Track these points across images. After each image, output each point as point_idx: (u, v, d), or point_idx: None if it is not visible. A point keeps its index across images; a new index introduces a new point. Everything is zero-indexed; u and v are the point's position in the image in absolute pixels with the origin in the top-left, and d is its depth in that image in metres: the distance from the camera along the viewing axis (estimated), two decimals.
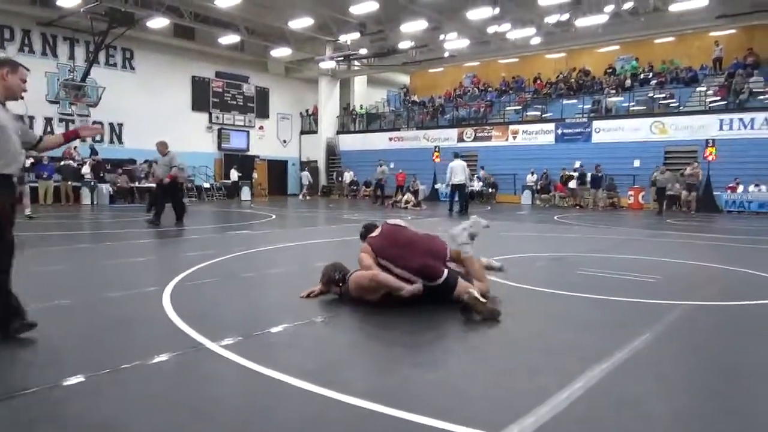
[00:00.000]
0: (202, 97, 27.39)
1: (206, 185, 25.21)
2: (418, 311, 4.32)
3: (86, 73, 21.80)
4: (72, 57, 22.70)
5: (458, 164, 16.25)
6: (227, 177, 26.45)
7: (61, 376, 2.79)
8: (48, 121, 22.07)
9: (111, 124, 23.70)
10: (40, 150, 3.91)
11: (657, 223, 13.98)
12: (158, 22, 22.27)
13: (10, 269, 3.40)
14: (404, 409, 2.40)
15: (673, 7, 20.26)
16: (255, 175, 28.00)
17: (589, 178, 21.05)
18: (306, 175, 28.47)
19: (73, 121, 22.56)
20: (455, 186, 16.22)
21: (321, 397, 2.55)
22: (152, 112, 24.40)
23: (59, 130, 22.31)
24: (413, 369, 3.02)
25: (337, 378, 2.79)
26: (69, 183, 19.13)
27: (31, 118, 21.61)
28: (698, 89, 22.78)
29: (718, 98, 21.68)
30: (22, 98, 3.61)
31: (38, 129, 21.61)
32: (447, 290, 4.20)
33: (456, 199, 16.55)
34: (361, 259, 4.39)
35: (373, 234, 4.54)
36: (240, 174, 26.10)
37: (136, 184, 21.15)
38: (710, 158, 18.39)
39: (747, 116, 20.22)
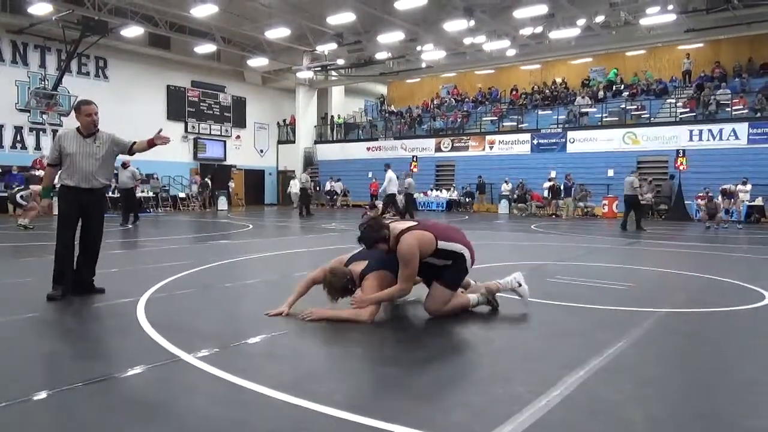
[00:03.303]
0: (177, 107, 27.10)
1: (182, 195, 24.90)
2: (396, 321, 4.32)
3: (58, 82, 21.41)
4: (43, 65, 22.28)
5: (394, 175, 17.44)
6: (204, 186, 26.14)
7: (31, 390, 2.71)
8: (18, 129, 21.61)
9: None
10: (134, 152, 5.24)
11: (630, 232, 14.21)
12: (133, 31, 22.00)
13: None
14: (382, 419, 2.39)
15: (644, 21, 20.79)
16: (232, 184, 27.74)
17: (563, 188, 21.40)
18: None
19: (44, 130, 22.11)
20: (391, 195, 17.24)
21: (299, 408, 2.53)
22: (126, 121, 23.88)
23: (29, 138, 21.87)
24: (392, 379, 3.02)
25: (316, 389, 2.77)
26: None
27: (0, 126, 21.17)
28: (668, 101, 23.36)
29: (688, 110, 22.26)
30: (96, 125, 5.04)
31: (8, 137, 21.19)
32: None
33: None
34: (413, 258, 3.98)
35: (414, 225, 4.17)
36: (210, 182, 25.78)
37: (110, 194, 20.79)
38: (681, 168, 18.83)
39: (715, 127, 20.79)
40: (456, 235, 4.29)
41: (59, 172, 5.03)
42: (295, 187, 27.20)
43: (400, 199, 18.01)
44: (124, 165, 14.77)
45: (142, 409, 2.56)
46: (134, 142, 5.22)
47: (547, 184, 21.99)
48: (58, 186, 5.01)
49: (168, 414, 2.52)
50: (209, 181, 25.16)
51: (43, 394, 2.68)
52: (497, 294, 4.57)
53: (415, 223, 4.21)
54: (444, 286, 4.20)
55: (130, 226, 13.92)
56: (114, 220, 15.94)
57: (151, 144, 5.16)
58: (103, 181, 5.09)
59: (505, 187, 23.39)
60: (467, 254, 4.22)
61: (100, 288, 5.11)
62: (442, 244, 4.10)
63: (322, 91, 32.01)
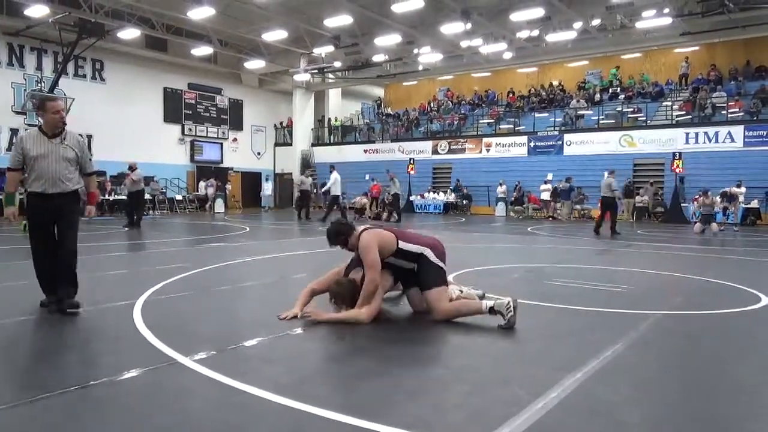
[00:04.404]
0: (174, 109, 27.07)
1: (179, 197, 24.86)
2: (392, 324, 4.32)
3: (54, 84, 21.36)
4: (39, 67, 22.24)
5: (339, 177, 17.88)
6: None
7: (27, 394, 2.70)
8: (14, 132, 21.54)
9: (80, 136, 23.19)
10: (86, 178, 4.76)
11: (627, 234, 14.23)
12: (129, 33, 21.97)
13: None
14: (381, 422, 2.38)
15: (639, 25, 20.87)
16: (228, 187, 27.73)
17: (559, 190, 21.48)
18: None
19: None
20: (336, 196, 17.78)
21: (297, 411, 2.52)
22: (123, 123, 24.01)
23: None
24: (389, 381, 3.01)
25: (313, 392, 2.76)
26: None
27: None
28: (664, 104, 23.43)
29: (684, 112, 22.33)
30: (64, 123, 4.60)
31: (4, 139, 21.15)
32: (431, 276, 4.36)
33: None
34: (371, 249, 4.20)
35: (371, 228, 4.46)
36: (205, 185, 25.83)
37: (106, 196, 20.76)
38: (677, 170, 18.88)
39: (711, 130, 20.86)
40: (419, 240, 4.49)
41: (24, 177, 4.55)
42: (267, 189, 27.05)
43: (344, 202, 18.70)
44: (132, 168, 14.71)
45: (138, 413, 2.55)
46: (95, 172, 4.97)
47: (545, 187, 22.02)
48: (25, 193, 4.58)
49: (164, 418, 2.51)
50: (223, 184, 25.44)
51: (37, 398, 2.66)
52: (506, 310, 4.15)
53: (379, 227, 4.52)
54: (432, 289, 4.27)
55: (126, 228, 13.87)
56: (113, 222, 15.92)
57: (90, 198, 4.91)
58: (71, 185, 4.55)
59: (500, 190, 23.39)
60: (428, 252, 4.38)
61: (75, 303, 4.42)
62: (403, 245, 4.36)
63: (319, 93, 32.02)
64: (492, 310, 4.11)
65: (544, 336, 4.01)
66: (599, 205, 14.53)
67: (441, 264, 4.38)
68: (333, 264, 4.76)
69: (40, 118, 4.53)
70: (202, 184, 25.97)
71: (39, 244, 4.52)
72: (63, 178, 4.48)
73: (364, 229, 4.40)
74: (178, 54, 25.73)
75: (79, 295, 4.79)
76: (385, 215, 19.80)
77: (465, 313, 4.27)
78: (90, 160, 4.79)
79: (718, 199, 14.93)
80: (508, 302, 4.07)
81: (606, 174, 14.84)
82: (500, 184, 23.40)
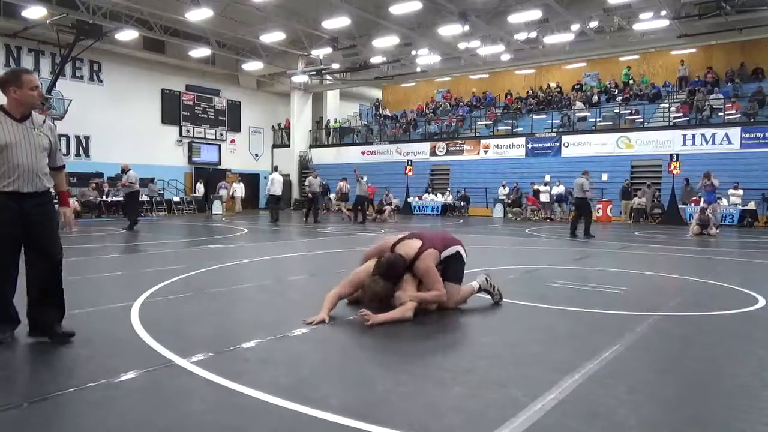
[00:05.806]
0: (172, 111, 27.06)
1: (176, 199, 24.82)
2: (390, 326, 4.31)
3: (52, 86, 21.34)
4: (37, 69, 22.20)
5: (279, 177, 18.28)
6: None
7: (24, 396, 2.69)
8: None
9: (78, 137, 23.21)
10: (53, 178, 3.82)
11: (625, 235, 14.25)
12: (127, 35, 21.97)
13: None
14: (379, 424, 2.38)
15: (637, 27, 20.94)
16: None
17: (554, 192, 21.57)
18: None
19: None
20: (275, 196, 17.97)
21: (295, 413, 2.52)
22: (121, 125, 24.00)
23: None
24: (387, 383, 3.01)
25: (311, 394, 2.76)
26: None
27: None
28: (662, 105, 23.49)
29: (681, 114, 22.39)
30: (43, 104, 3.73)
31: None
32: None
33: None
34: (431, 270, 4.55)
35: (423, 247, 4.61)
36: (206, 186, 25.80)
37: (104, 198, 20.72)
38: (675, 172, 18.92)
39: (708, 132, 20.92)
40: (450, 241, 4.89)
41: None
42: (240, 191, 26.86)
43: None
44: (124, 170, 14.65)
45: (135, 415, 2.54)
46: (64, 166, 4.01)
47: (543, 188, 22.04)
48: None
49: (161, 420, 2.50)
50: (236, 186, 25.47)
51: (34, 400, 2.65)
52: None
53: (420, 243, 4.64)
54: (452, 283, 4.73)
55: (123, 230, 13.84)
56: (111, 224, 15.88)
57: (62, 199, 3.97)
58: (47, 182, 3.69)
59: (502, 191, 23.41)
60: (462, 251, 4.89)
61: (69, 332, 3.71)
62: (444, 255, 4.73)
63: (317, 95, 32.03)
64: (480, 290, 4.95)
65: (541, 338, 4.01)
66: (574, 206, 14.34)
67: (465, 260, 4.93)
68: (333, 265, 4.76)
69: (11, 95, 3.56)
70: (200, 185, 25.94)
71: (2, 260, 3.56)
72: (40, 172, 3.61)
73: (419, 253, 4.54)
74: (176, 55, 25.73)
75: (77, 296, 4.79)
76: (346, 214, 19.87)
77: (467, 297, 4.92)
78: (59, 150, 3.91)
79: (712, 217, 15.27)
80: (485, 279, 4.97)
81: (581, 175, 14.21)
82: (502, 186, 23.43)
